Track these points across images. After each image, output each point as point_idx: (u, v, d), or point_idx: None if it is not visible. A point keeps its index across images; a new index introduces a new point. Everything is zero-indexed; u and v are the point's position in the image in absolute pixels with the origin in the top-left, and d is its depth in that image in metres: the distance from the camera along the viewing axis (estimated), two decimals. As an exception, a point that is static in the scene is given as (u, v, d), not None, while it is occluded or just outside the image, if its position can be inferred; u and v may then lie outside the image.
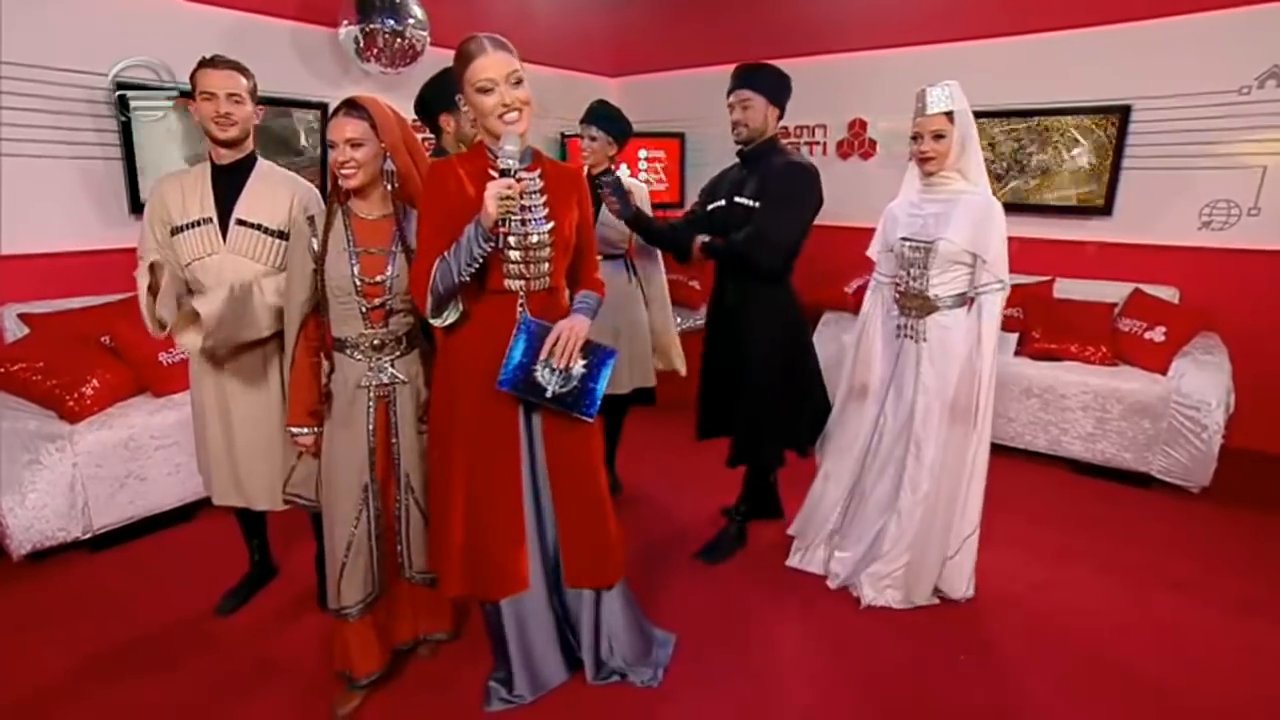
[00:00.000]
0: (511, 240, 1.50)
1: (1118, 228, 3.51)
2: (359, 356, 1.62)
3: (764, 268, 2.12)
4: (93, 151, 2.81)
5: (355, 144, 1.52)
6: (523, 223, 1.50)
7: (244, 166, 1.82)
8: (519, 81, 1.42)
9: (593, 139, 2.48)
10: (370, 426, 1.64)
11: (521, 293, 1.54)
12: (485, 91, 1.40)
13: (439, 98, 2.14)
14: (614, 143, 2.51)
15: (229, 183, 1.79)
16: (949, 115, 1.92)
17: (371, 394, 1.63)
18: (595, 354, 1.52)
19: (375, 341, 1.62)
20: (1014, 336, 3.47)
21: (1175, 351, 3.09)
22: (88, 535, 2.35)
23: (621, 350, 2.41)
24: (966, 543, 2.13)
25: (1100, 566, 2.41)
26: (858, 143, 4.28)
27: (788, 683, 1.86)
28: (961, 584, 2.17)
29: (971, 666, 1.91)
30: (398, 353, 1.65)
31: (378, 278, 1.58)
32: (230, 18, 3.13)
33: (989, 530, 2.60)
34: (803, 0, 4.28)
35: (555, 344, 1.47)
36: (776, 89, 2.15)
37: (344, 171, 1.53)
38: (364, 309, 1.59)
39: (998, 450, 3.29)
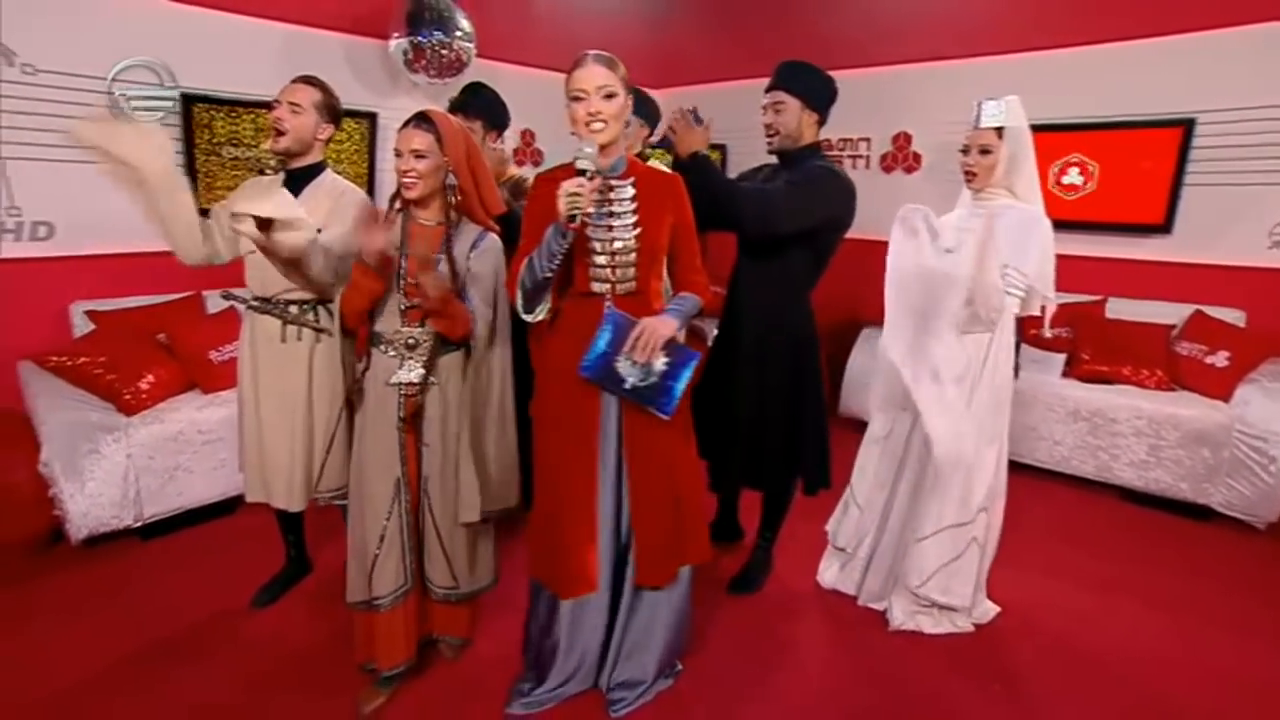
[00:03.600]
0: (597, 245, 1.56)
1: (1177, 246, 3.34)
2: (392, 353, 1.67)
3: (747, 225, 1.92)
4: (158, 158, 2.96)
5: (419, 155, 1.57)
6: (609, 229, 1.55)
7: (309, 174, 1.91)
8: (610, 95, 1.47)
9: (626, 124, 2.47)
10: (400, 425, 1.68)
11: (608, 295, 1.58)
12: (576, 100, 1.49)
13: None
14: (645, 126, 2.49)
15: (292, 189, 1.88)
16: (999, 131, 1.89)
17: (400, 393, 1.67)
18: (678, 353, 1.55)
19: (409, 340, 1.66)
20: (1061, 357, 3.34)
21: (1240, 377, 2.92)
22: (139, 524, 2.46)
23: None
24: (971, 547, 2.01)
25: (1150, 601, 2.29)
26: (901, 156, 4.20)
27: (812, 709, 1.81)
28: (959, 592, 2.03)
29: (1003, 698, 1.84)
30: (429, 355, 1.68)
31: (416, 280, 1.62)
32: (287, 32, 3.27)
33: (1028, 555, 2.52)
34: (848, 12, 4.24)
35: (638, 339, 1.49)
36: (815, 92, 2.00)
37: (405, 181, 1.59)
38: (403, 306, 1.64)
39: (1042, 474, 3.21)
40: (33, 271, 2.71)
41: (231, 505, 2.73)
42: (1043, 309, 1.97)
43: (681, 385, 1.55)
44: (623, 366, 1.53)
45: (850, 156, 4.40)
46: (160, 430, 2.51)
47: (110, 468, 2.38)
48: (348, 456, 1.78)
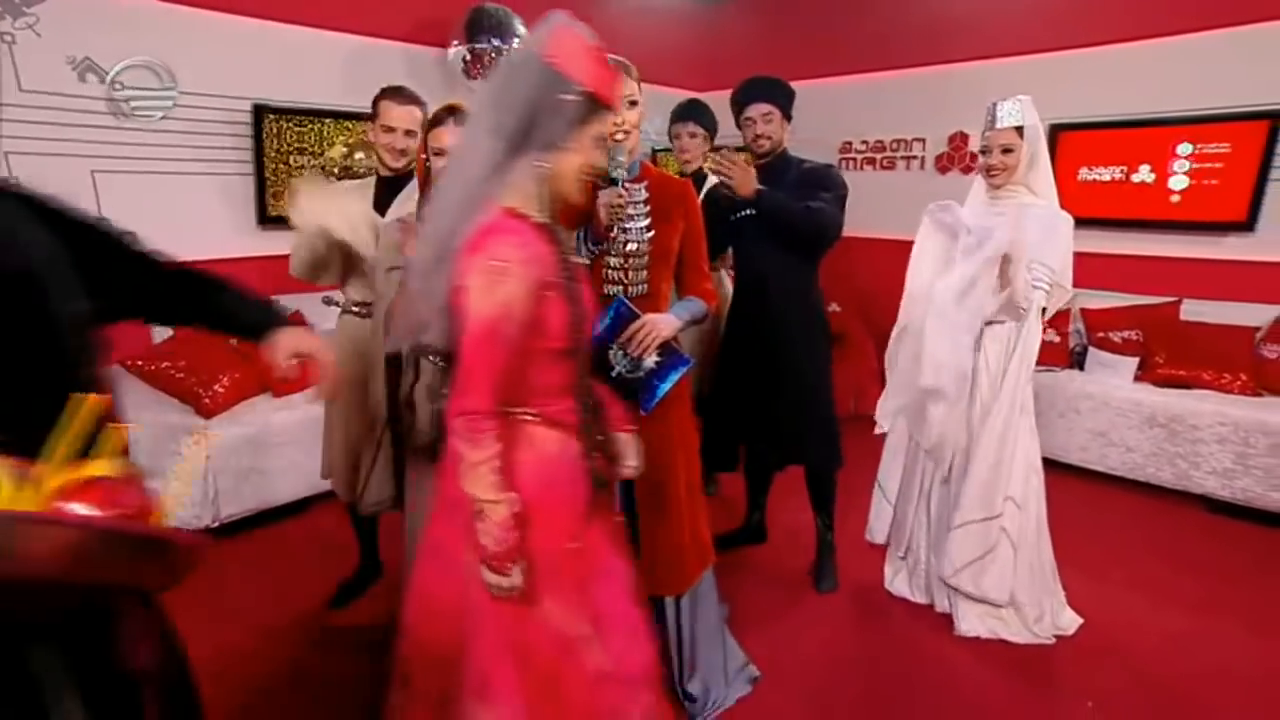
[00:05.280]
0: (610, 248, 1.57)
1: (1261, 244, 3.20)
2: (442, 363, 1.66)
3: (827, 239, 2.11)
4: (229, 169, 3.06)
5: None
6: (623, 231, 1.56)
7: (405, 178, 1.97)
8: (633, 103, 1.53)
9: (692, 135, 2.54)
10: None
11: (620, 299, 1.58)
12: None
13: None
14: (709, 139, 2.55)
15: (390, 192, 1.94)
16: (1019, 130, 1.94)
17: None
18: (670, 355, 1.55)
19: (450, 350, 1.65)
20: (1133, 361, 3.22)
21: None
22: (216, 523, 2.53)
23: None
24: (1001, 542, 1.99)
25: (1248, 620, 2.18)
26: (958, 157, 4.11)
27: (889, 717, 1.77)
28: (994, 587, 2.01)
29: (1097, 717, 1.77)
30: None
31: None
32: (352, 42, 3.35)
33: (1108, 565, 2.43)
34: (901, 11, 4.16)
35: (636, 332, 1.50)
36: (789, 102, 2.18)
37: None
38: None
39: (1113, 481, 3.10)
40: (116, 278, 2.81)
41: (303, 505, 2.79)
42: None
43: (666, 386, 1.54)
44: (614, 356, 1.52)
45: (903, 158, 4.32)
46: (236, 432, 2.58)
47: (191, 469, 2.45)
48: (390, 469, 1.78)
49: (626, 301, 1.55)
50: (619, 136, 1.50)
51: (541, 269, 1.04)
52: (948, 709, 1.81)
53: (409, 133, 1.91)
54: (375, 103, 1.93)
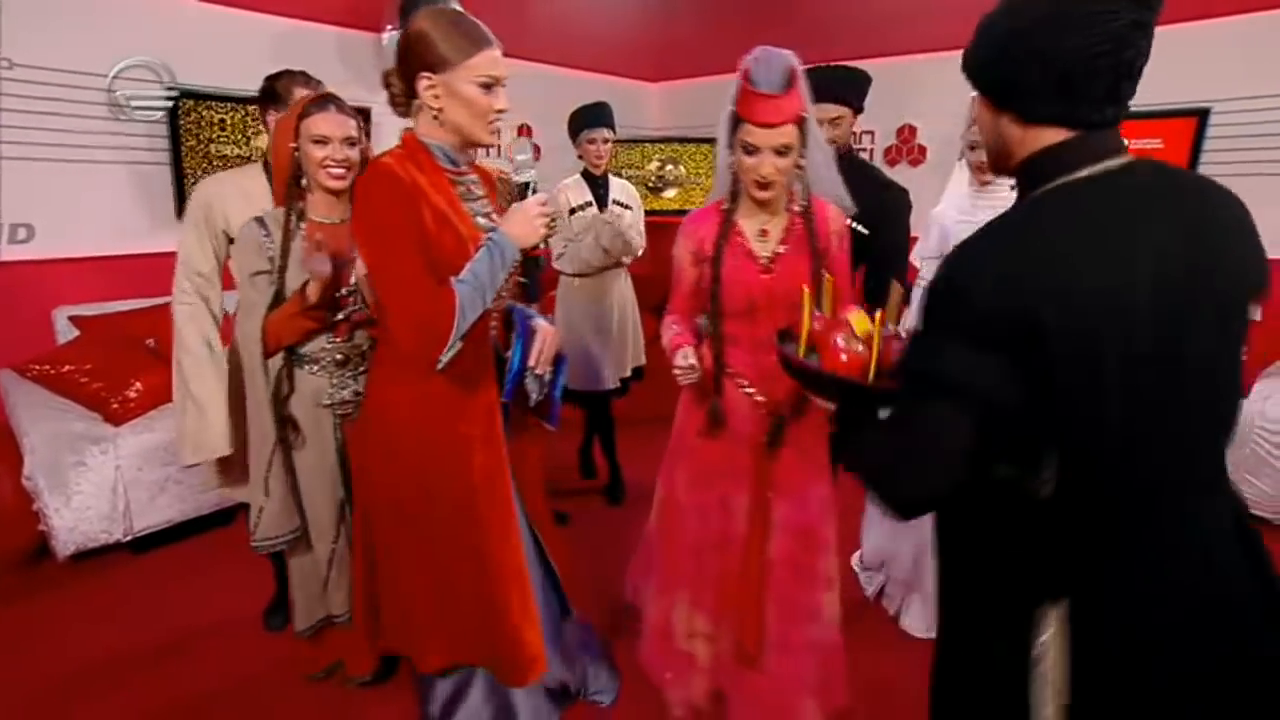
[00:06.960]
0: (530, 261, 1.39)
1: (1192, 238, 3.29)
2: (319, 372, 1.53)
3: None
4: (143, 156, 2.85)
5: (352, 141, 1.46)
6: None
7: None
8: (503, 85, 1.24)
9: (606, 141, 2.54)
10: (337, 447, 1.57)
11: (495, 311, 1.33)
12: (487, 88, 1.19)
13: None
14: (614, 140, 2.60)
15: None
16: None
17: (335, 412, 1.56)
18: (557, 361, 1.46)
19: (339, 356, 1.53)
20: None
21: (1259, 372, 2.87)
22: (129, 538, 2.36)
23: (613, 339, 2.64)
24: None
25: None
26: (906, 149, 4.14)
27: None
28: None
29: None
30: (362, 368, 1.55)
31: (343, 289, 1.49)
32: (280, 25, 3.16)
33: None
34: (849, 3, 4.16)
35: (542, 350, 1.37)
36: (860, 95, 1.91)
37: (335, 172, 1.45)
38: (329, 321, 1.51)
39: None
40: (12, 276, 2.59)
41: (228, 516, 2.63)
42: None
43: (559, 393, 1.48)
44: (530, 383, 1.39)
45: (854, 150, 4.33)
46: (150, 440, 2.40)
47: (98, 480, 2.28)
48: (289, 499, 1.57)
49: (528, 317, 1.41)
50: (497, 126, 1.22)
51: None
52: (889, 699, 1.78)
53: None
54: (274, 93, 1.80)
